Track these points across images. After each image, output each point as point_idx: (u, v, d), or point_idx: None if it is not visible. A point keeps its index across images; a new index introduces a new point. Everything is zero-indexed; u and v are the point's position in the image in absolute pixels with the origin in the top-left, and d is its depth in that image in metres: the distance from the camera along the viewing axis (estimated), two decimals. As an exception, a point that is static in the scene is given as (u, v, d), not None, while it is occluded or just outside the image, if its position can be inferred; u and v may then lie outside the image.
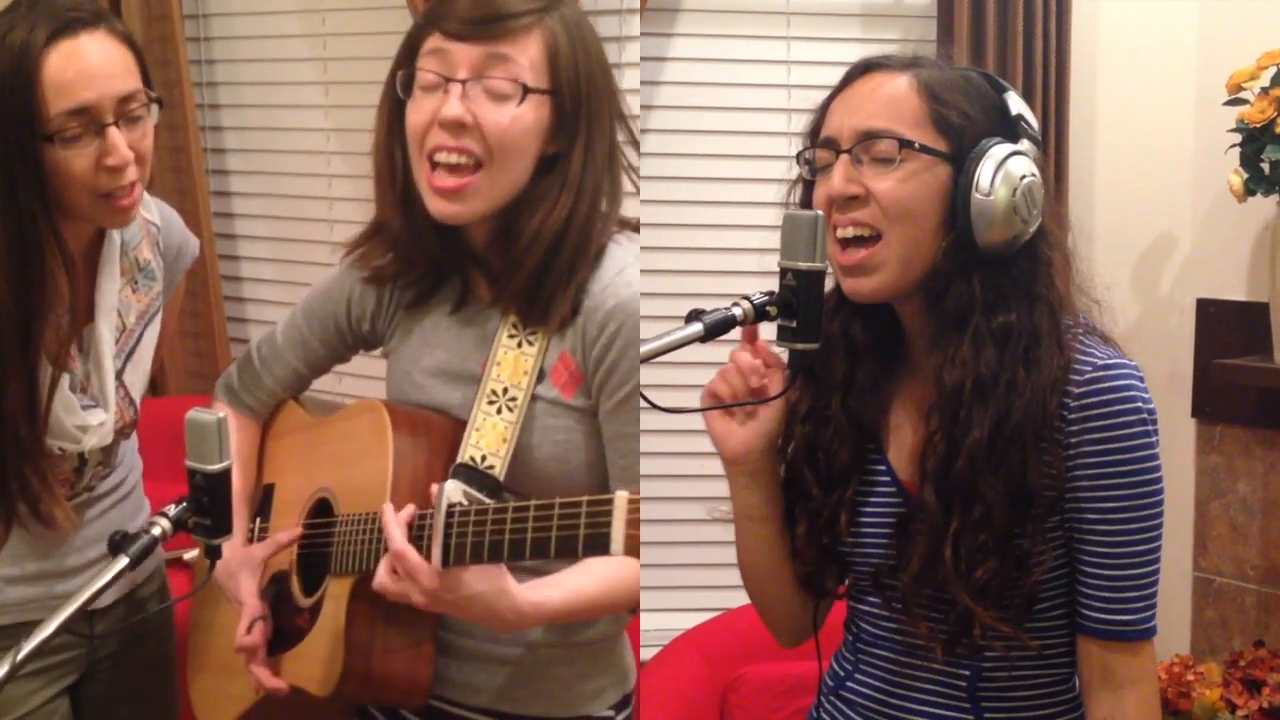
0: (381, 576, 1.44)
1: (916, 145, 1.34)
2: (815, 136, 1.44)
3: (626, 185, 1.61)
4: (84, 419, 1.68)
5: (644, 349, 1.29)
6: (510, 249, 1.53)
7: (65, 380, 1.65)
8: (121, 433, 1.77)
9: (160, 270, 1.81)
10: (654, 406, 1.37)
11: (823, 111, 1.44)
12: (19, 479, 1.62)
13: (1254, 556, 2.88)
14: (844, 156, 1.37)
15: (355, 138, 3.15)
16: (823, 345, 1.42)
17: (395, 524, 1.43)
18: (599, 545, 1.29)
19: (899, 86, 1.37)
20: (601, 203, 1.55)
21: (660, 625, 3.03)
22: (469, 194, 1.49)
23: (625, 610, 1.61)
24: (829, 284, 1.39)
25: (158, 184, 3.26)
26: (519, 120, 1.48)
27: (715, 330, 1.30)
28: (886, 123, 1.35)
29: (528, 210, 1.51)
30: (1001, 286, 1.37)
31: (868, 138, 1.36)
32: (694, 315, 1.31)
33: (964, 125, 1.36)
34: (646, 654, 2.69)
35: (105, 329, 1.70)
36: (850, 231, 1.37)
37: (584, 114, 1.52)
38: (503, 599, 1.43)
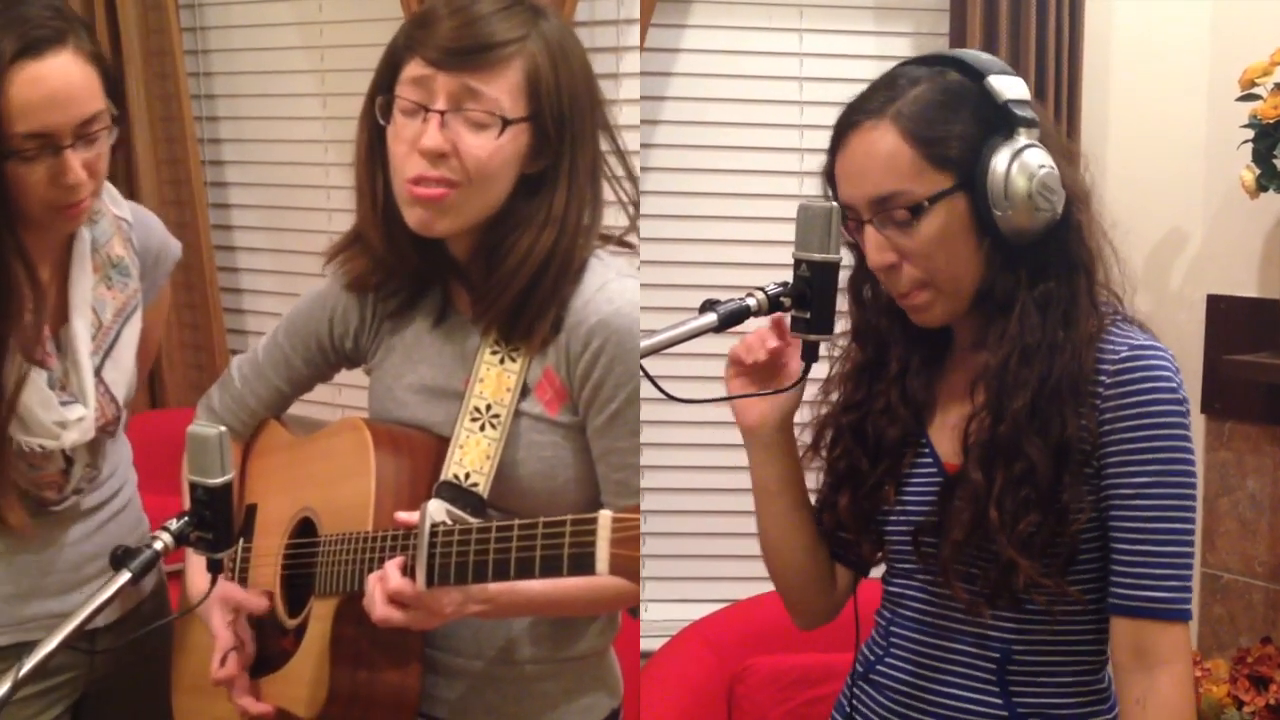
0: (380, 609, 1.43)
1: (927, 202, 1.36)
2: (830, 178, 1.45)
3: (609, 195, 1.60)
4: (62, 414, 1.67)
5: (658, 338, 1.28)
6: (494, 268, 1.52)
7: (43, 377, 1.64)
8: (105, 430, 1.75)
9: (136, 268, 1.80)
10: (668, 396, 1.36)
11: (831, 165, 1.44)
12: None
13: (1262, 553, 2.88)
14: (868, 227, 1.39)
15: (353, 149, 3.20)
16: (878, 344, 1.51)
17: (392, 569, 1.43)
18: (583, 565, 1.29)
19: (888, 142, 1.37)
20: (584, 218, 1.55)
21: (667, 616, 3.04)
22: (446, 206, 1.48)
23: (618, 608, 1.61)
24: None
25: (156, 195, 3.29)
26: (499, 151, 1.47)
27: (729, 321, 1.30)
28: (891, 185, 1.37)
29: (513, 231, 1.51)
30: (1042, 260, 1.40)
31: (880, 205, 1.38)
32: (708, 305, 1.31)
33: (961, 152, 1.37)
34: (653, 645, 2.69)
35: (80, 326, 1.69)
36: (906, 290, 1.41)
37: (567, 134, 1.50)
38: (473, 589, 1.43)
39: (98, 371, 1.72)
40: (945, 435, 1.49)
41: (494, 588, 1.44)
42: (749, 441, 1.53)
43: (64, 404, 1.68)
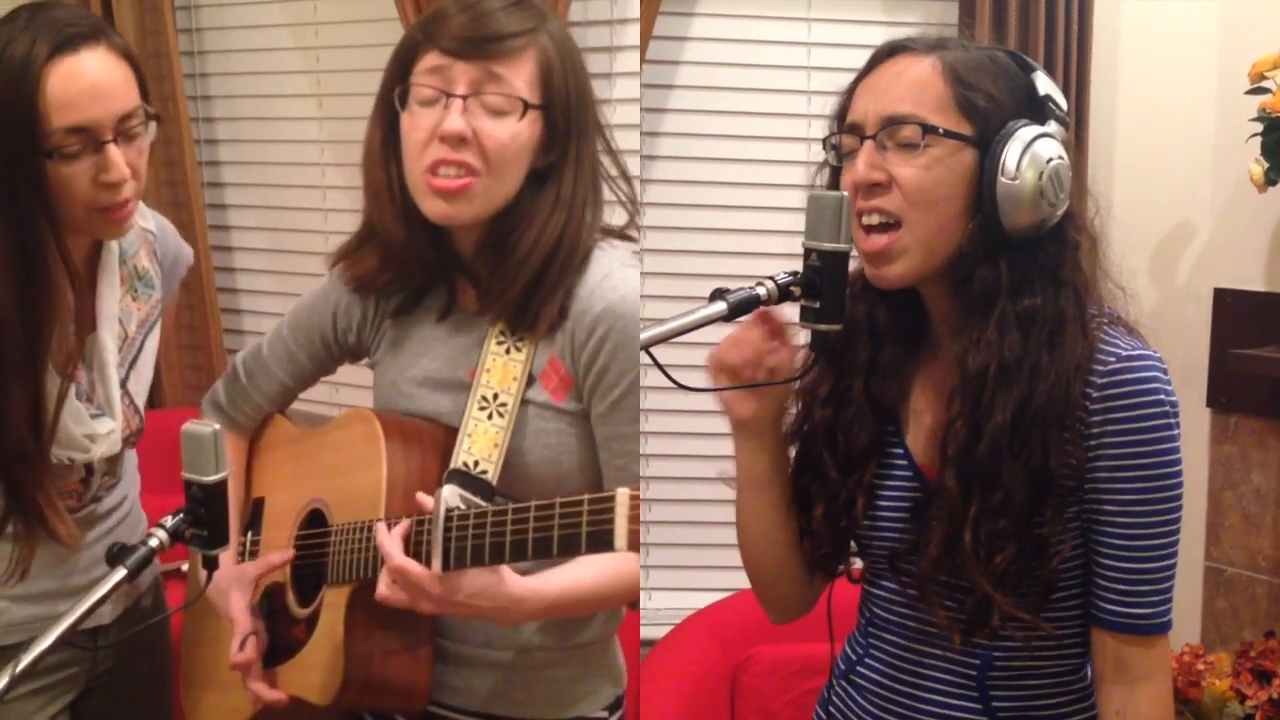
0: (384, 587, 1.45)
1: (940, 130, 1.33)
2: (841, 121, 1.43)
3: (607, 194, 1.62)
4: (92, 428, 1.67)
5: (667, 326, 1.28)
6: (502, 261, 1.54)
7: (71, 390, 1.64)
8: (128, 441, 1.76)
9: (159, 278, 1.81)
10: (677, 385, 1.36)
11: (848, 95, 1.42)
12: (25, 494, 1.61)
13: (1266, 547, 2.88)
14: (868, 143, 1.36)
15: (349, 148, 3.16)
16: (848, 327, 1.42)
17: (390, 542, 1.45)
18: (602, 542, 1.30)
19: (924, 70, 1.36)
20: (588, 214, 1.57)
21: (670, 605, 3.05)
22: (468, 195, 1.50)
23: (624, 603, 1.62)
24: (854, 267, 1.38)
25: (153, 196, 3.28)
26: (518, 136, 1.50)
27: (739, 310, 1.30)
28: (911, 108, 1.34)
29: (520, 224, 1.53)
30: (1028, 270, 1.36)
31: (892, 123, 1.35)
32: (717, 294, 1.30)
33: (990, 108, 1.35)
34: (657, 633, 2.70)
35: (108, 338, 1.70)
36: (875, 219, 1.36)
37: (574, 129, 1.54)
38: (500, 588, 1.44)
39: (123, 383, 1.73)
40: (921, 439, 1.46)
41: (515, 590, 1.45)
42: (742, 434, 1.49)
43: (93, 417, 1.68)
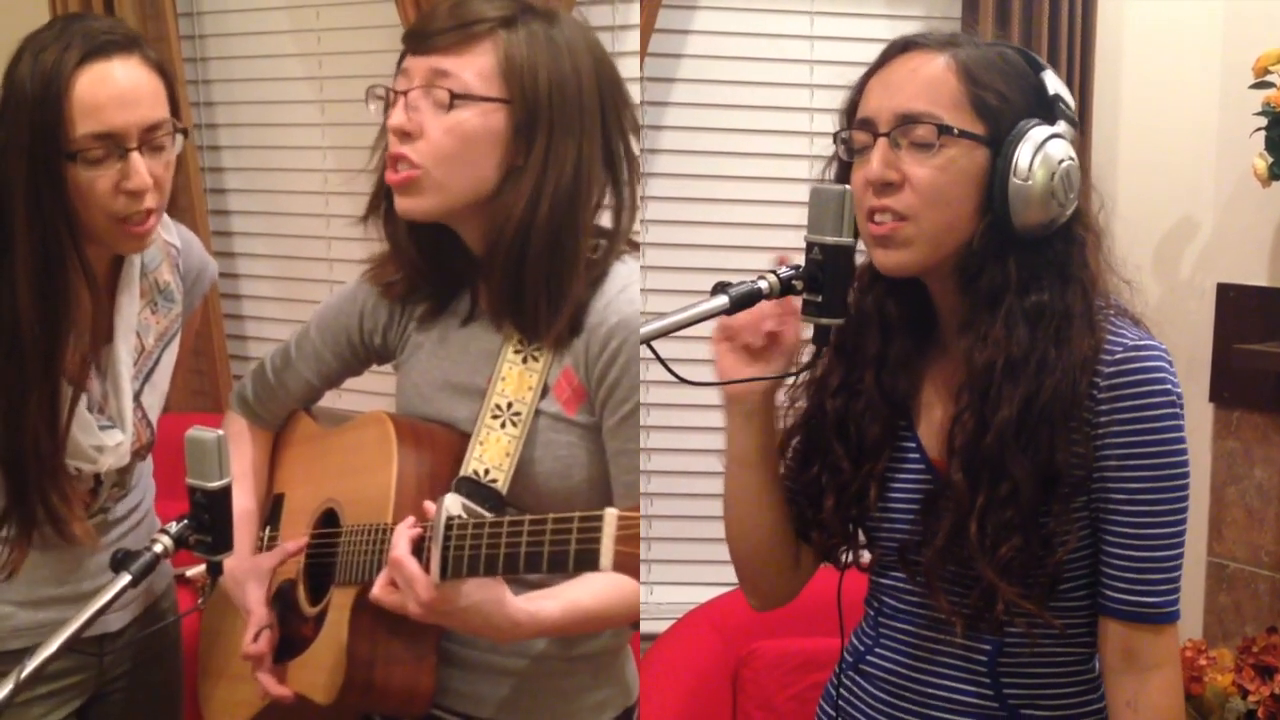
0: (378, 588, 1.45)
1: (955, 131, 1.33)
2: (852, 115, 1.42)
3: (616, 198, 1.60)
4: (101, 439, 1.67)
5: (669, 320, 1.27)
6: (491, 261, 1.54)
7: (83, 400, 1.65)
8: (138, 454, 1.76)
9: (179, 292, 1.81)
10: (679, 379, 1.36)
11: (860, 90, 1.42)
12: (42, 497, 1.62)
13: (1269, 543, 2.88)
14: (882, 140, 1.36)
15: (352, 155, 3.17)
16: (857, 319, 1.44)
17: (399, 537, 1.44)
18: (588, 561, 1.30)
19: (937, 68, 1.36)
20: (579, 215, 1.53)
21: (673, 599, 3.04)
22: (416, 189, 1.50)
23: (625, 625, 1.61)
24: (862, 261, 1.39)
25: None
26: (458, 127, 1.48)
27: (741, 303, 1.30)
28: (925, 105, 1.34)
29: (497, 221, 1.52)
30: (1036, 267, 1.37)
31: (906, 121, 1.35)
32: (719, 288, 1.30)
33: (1002, 107, 1.35)
34: (659, 627, 2.70)
35: (124, 350, 1.70)
36: (888, 217, 1.36)
37: (543, 125, 1.50)
38: (498, 609, 1.43)
39: (137, 396, 1.73)
40: (932, 433, 1.47)
41: (513, 614, 1.44)
42: (731, 410, 1.49)
43: (102, 428, 1.68)
